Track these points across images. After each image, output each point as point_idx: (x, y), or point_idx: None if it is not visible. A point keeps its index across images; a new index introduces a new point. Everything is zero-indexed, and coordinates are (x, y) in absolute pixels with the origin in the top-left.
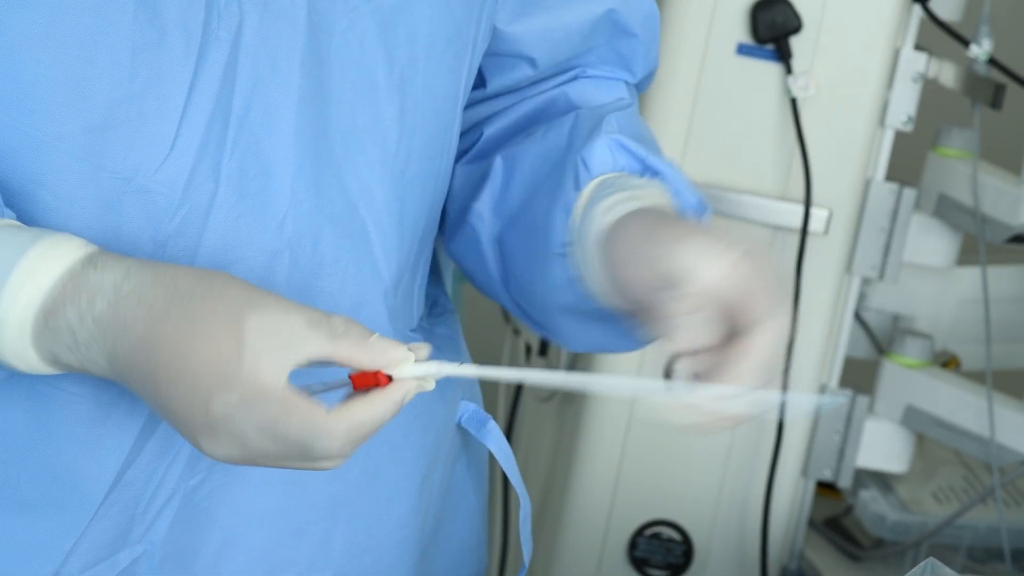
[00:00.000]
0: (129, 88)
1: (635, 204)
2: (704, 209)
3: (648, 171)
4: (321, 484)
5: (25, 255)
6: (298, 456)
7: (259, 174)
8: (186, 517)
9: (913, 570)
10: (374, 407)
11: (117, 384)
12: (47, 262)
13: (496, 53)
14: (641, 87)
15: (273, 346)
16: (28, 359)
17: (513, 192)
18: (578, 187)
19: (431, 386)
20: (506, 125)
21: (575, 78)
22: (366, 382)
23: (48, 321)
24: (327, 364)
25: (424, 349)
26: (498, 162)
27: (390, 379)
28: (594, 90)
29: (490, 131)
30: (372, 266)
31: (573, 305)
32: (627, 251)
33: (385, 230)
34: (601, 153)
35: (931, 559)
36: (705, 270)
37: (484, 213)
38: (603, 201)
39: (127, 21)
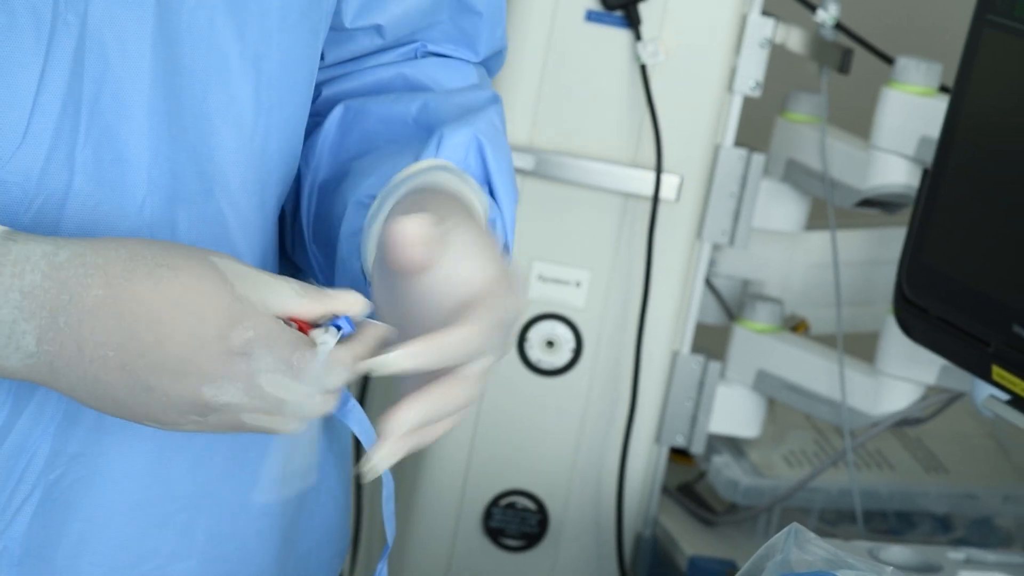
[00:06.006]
0: None
1: (459, 194)
2: (508, 252)
3: (488, 188)
4: (184, 474)
5: None
6: (314, 385)
7: (114, 161)
8: (46, 511)
9: (777, 535)
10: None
11: None
12: None
13: (334, 27)
14: (491, 69)
15: (253, 284)
16: None
17: (351, 141)
18: (418, 157)
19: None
20: (346, 89)
21: (415, 55)
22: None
23: None
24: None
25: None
26: (339, 110)
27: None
28: (443, 71)
29: (329, 91)
30: (231, 251)
31: (345, 257)
32: (427, 205)
33: (243, 213)
34: (459, 144)
35: (795, 524)
36: (455, 262)
37: (320, 158)
38: (436, 174)
39: None
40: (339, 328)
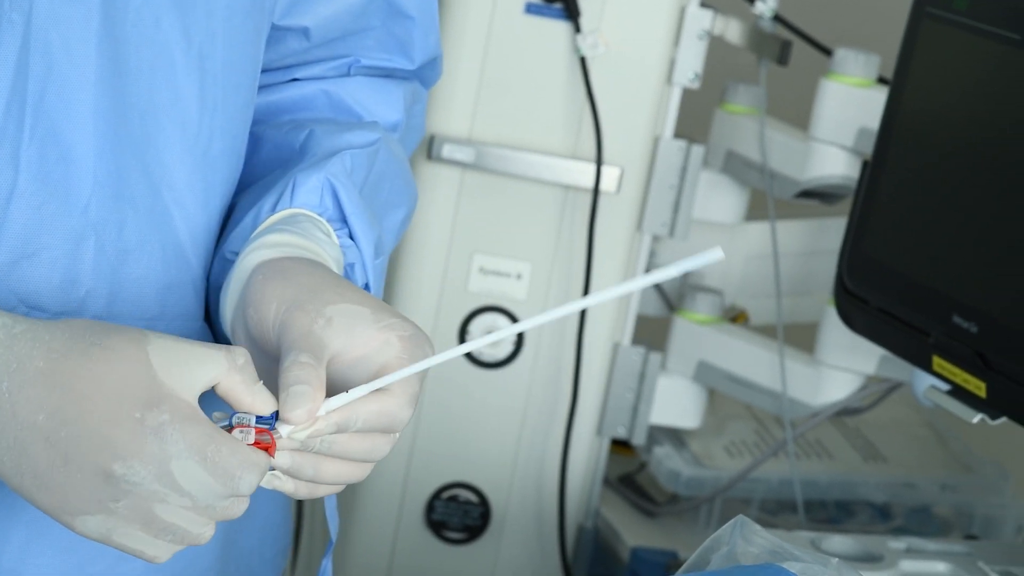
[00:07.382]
0: None
1: (304, 255)
2: (368, 290)
3: (345, 227)
4: None
5: None
6: (223, 484)
7: (59, 160)
8: None
9: (723, 527)
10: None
11: None
12: None
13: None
14: (428, 78)
15: (182, 367)
16: None
17: (253, 168)
18: (275, 209)
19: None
20: (271, 101)
21: (347, 70)
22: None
23: None
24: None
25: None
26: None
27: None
28: (369, 93)
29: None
30: (178, 250)
31: (212, 308)
32: (275, 292)
33: (190, 212)
34: (312, 189)
35: (741, 516)
36: (350, 349)
37: None
38: (280, 234)
39: None
40: (271, 427)
